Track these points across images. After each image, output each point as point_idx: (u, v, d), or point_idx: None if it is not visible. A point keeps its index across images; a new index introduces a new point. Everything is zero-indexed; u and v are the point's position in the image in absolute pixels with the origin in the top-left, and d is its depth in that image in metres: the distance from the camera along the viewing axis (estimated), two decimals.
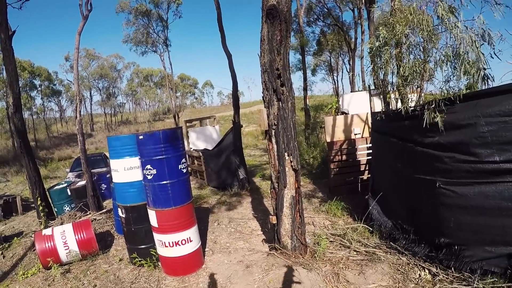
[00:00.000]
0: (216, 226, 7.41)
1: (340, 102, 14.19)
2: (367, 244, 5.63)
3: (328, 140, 8.83)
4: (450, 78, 4.66)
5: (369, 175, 8.02)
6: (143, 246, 5.66)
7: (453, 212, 4.56)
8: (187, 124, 14.47)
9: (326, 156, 10.29)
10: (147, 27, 36.64)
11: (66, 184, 10.24)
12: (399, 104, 5.75)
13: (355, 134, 8.83)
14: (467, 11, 4.65)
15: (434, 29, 4.87)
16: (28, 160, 8.74)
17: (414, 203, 5.30)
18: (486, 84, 4.39)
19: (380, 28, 5.45)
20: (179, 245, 5.17)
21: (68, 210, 9.35)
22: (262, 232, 6.80)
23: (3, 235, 8.00)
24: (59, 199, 9.76)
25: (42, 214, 8.40)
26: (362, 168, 8.85)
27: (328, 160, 9.05)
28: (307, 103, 19.21)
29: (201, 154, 11.62)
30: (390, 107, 6.25)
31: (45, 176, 17.54)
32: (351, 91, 24.95)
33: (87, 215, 8.57)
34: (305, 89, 19.29)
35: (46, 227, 7.74)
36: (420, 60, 5.13)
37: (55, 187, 10.20)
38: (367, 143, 8.70)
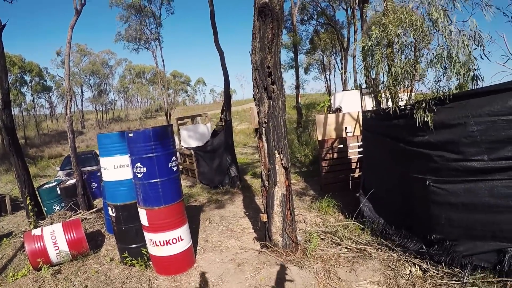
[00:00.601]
0: (207, 224, 7.39)
1: (332, 101, 14.23)
2: (358, 241, 5.66)
3: (320, 138, 8.86)
4: (441, 78, 4.73)
5: (360, 173, 8.05)
6: (134, 246, 5.62)
7: (443, 209, 4.62)
8: (179, 122, 14.40)
9: (317, 154, 10.31)
10: (140, 23, 36.35)
11: (56, 183, 10.12)
12: (390, 103, 5.79)
13: (346, 133, 8.87)
14: (459, 13, 4.68)
15: (426, 30, 4.90)
16: (17, 158, 8.62)
17: (405, 200, 5.36)
18: (476, 84, 4.46)
19: (373, 27, 5.48)
20: (170, 244, 5.14)
21: (58, 209, 9.26)
22: (253, 230, 6.81)
23: None
24: (49, 198, 9.66)
25: (31, 213, 8.29)
26: (354, 166, 8.90)
27: (319, 158, 9.07)
28: (299, 101, 19.21)
29: (192, 152, 11.59)
30: (381, 106, 6.29)
31: (34, 174, 17.41)
32: (343, 90, 25.02)
33: (77, 214, 8.50)
34: (297, 88, 19.28)
35: (35, 227, 7.64)
36: (411, 60, 5.16)
37: (45, 186, 10.09)
38: (358, 141, 8.73)
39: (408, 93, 5.81)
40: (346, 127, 8.86)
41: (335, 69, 45.22)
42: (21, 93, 47.28)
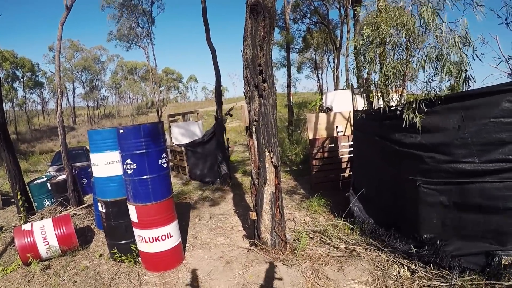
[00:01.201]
0: (197, 221, 7.40)
1: (324, 100, 14.26)
2: (347, 240, 5.69)
3: (311, 137, 8.89)
4: (432, 79, 4.75)
5: (351, 173, 8.10)
6: (123, 242, 5.61)
7: (433, 210, 4.68)
8: (170, 119, 14.37)
9: (308, 153, 10.35)
10: (131, 21, 36.20)
11: (46, 178, 10.07)
12: (381, 103, 5.83)
13: (337, 132, 8.91)
14: (451, 12, 4.72)
15: (417, 30, 4.94)
16: (8, 153, 8.58)
17: (395, 200, 5.39)
18: (468, 85, 4.48)
19: (365, 27, 5.51)
20: (159, 240, 5.15)
21: (48, 204, 9.21)
22: (242, 228, 6.83)
23: None
24: (39, 193, 9.60)
25: (22, 209, 8.26)
26: (344, 165, 8.94)
27: (310, 157, 9.11)
28: (291, 100, 19.22)
29: (183, 149, 11.58)
30: (373, 106, 6.32)
31: (25, 169, 17.27)
32: (335, 89, 25.06)
33: (68, 210, 8.47)
34: (289, 86, 19.25)
35: (25, 222, 7.62)
36: (403, 59, 5.19)
37: (36, 181, 10.03)
38: (349, 141, 8.77)
39: (400, 94, 5.85)
40: (337, 127, 8.90)
41: (327, 68, 45.31)
42: (13, 88, 46.96)
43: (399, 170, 5.21)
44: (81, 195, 9.56)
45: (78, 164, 12.36)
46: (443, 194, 4.55)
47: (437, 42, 4.56)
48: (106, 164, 5.55)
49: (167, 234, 5.21)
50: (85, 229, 7.31)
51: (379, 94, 5.85)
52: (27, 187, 9.29)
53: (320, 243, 5.75)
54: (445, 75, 4.45)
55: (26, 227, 6.00)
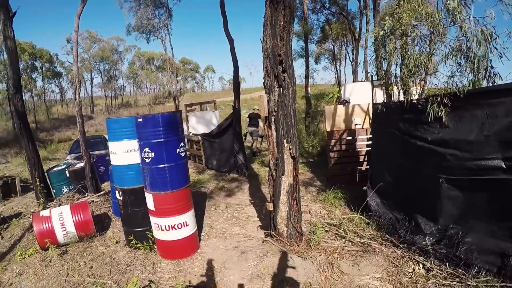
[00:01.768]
0: (213, 211, 7.42)
1: (342, 92, 14.13)
2: (362, 235, 5.63)
3: (328, 129, 8.79)
4: (455, 74, 4.61)
5: (368, 166, 8.01)
6: (139, 229, 5.66)
7: (455, 205, 4.63)
8: (188, 109, 14.42)
9: (325, 145, 10.27)
10: (149, 11, 36.29)
11: (65, 166, 10.22)
12: (402, 96, 5.72)
13: (355, 125, 8.79)
14: (477, 4, 4.57)
15: (442, 22, 4.81)
16: (28, 141, 8.72)
17: (415, 195, 5.33)
18: (493, 81, 4.35)
19: (386, 18, 5.40)
20: (175, 229, 5.18)
21: (66, 191, 9.34)
22: (258, 219, 6.82)
23: (2, 216, 8.01)
24: (58, 180, 9.75)
25: (40, 195, 8.42)
26: (361, 159, 8.83)
27: (327, 149, 9.02)
28: (309, 91, 19.07)
29: (200, 139, 11.60)
30: (392, 99, 6.21)
31: (44, 157, 17.56)
32: (353, 81, 24.81)
33: (85, 197, 8.58)
34: (307, 77, 19.05)
35: (44, 208, 7.75)
36: (426, 52, 5.07)
37: (54, 169, 10.18)
38: (367, 134, 8.66)
39: (421, 87, 5.74)
40: (355, 119, 8.80)
41: (345, 59, 44.86)
42: (32, 79, 47.63)
43: (420, 166, 5.14)
44: (98, 182, 9.68)
45: (96, 152, 12.52)
46: (466, 190, 4.47)
47: (464, 35, 4.43)
48: (124, 153, 5.58)
49: (183, 222, 5.23)
50: (102, 216, 7.41)
51: (400, 87, 5.75)
52: (46, 174, 9.43)
53: (336, 237, 5.70)
54: (470, 70, 4.34)
55: (45, 213, 6.10)
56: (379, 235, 5.58)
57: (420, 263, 4.66)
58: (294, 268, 4.73)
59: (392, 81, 6.07)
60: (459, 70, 4.54)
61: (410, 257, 4.84)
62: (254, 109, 13.93)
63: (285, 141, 5.15)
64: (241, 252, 5.36)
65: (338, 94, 14.52)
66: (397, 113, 5.63)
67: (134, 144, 5.42)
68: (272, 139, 5.29)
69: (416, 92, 5.77)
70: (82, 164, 9.49)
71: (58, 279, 5.03)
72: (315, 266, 4.80)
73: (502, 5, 4.30)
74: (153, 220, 5.28)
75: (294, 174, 5.31)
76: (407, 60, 5.06)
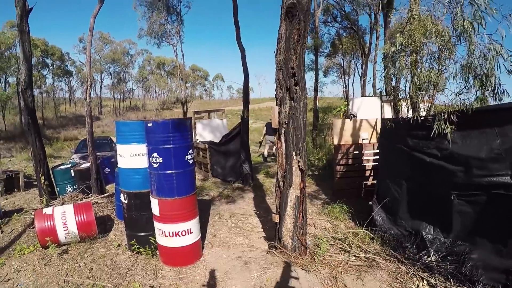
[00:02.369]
0: (217, 219, 7.39)
1: (350, 106, 14.11)
2: (367, 250, 5.59)
3: (335, 142, 8.79)
4: (462, 91, 4.65)
5: (375, 181, 7.98)
6: (142, 234, 5.63)
7: (465, 220, 4.68)
8: (196, 116, 14.46)
9: (331, 159, 10.25)
10: (162, 17, 36.56)
11: (70, 165, 10.26)
12: (410, 113, 5.73)
13: (362, 139, 8.79)
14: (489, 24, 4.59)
15: (452, 41, 4.84)
16: (35, 137, 8.74)
17: (423, 210, 5.36)
18: (500, 99, 4.37)
19: (397, 34, 5.42)
20: (179, 235, 5.16)
21: (70, 191, 9.37)
22: (262, 230, 6.79)
23: (3, 210, 8.02)
24: (62, 179, 9.78)
25: (44, 192, 8.43)
26: (367, 173, 8.82)
27: (333, 162, 9.01)
28: (317, 104, 19.10)
29: (207, 146, 11.61)
30: (401, 115, 6.21)
31: (49, 155, 17.61)
32: (361, 96, 24.81)
33: (89, 197, 8.58)
34: (315, 90, 19.12)
35: (47, 206, 7.76)
36: (435, 69, 5.09)
37: (59, 167, 10.23)
38: (374, 149, 8.65)
39: (430, 104, 5.74)
40: (362, 134, 8.79)
41: (354, 74, 44.84)
42: (42, 75, 47.91)
43: (429, 182, 5.17)
44: (103, 184, 9.70)
45: (102, 153, 12.54)
46: (476, 206, 4.51)
47: (469, 53, 4.47)
48: (132, 156, 5.58)
49: (188, 230, 5.21)
50: (105, 218, 7.40)
51: (409, 103, 5.75)
52: (51, 172, 9.45)
53: (340, 251, 5.67)
54: (478, 87, 4.37)
55: (48, 210, 6.10)
56: (383, 251, 5.55)
57: (424, 279, 4.62)
58: (297, 281, 4.70)
59: (401, 97, 6.07)
60: (466, 87, 4.57)
61: (414, 273, 4.80)
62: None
63: (294, 153, 5.14)
64: (244, 262, 5.33)
65: (346, 108, 14.52)
66: (406, 129, 5.65)
67: (142, 148, 5.41)
68: (282, 151, 5.29)
69: (424, 109, 5.78)
70: (87, 164, 9.51)
71: (57, 278, 5.01)
72: (319, 280, 4.76)
73: (507, 21, 4.30)
74: (157, 225, 5.26)
75: (302, 186, 5.30)
76: (416, 78, 5.07)
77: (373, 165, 8.67)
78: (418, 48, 5.21)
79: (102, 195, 8.83)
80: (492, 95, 4.40)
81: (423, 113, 5.48)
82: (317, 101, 19.08)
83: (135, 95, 78.50)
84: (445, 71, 5.06)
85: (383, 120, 6.72)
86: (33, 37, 40.09)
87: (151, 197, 5.27)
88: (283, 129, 5.19)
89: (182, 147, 5.08)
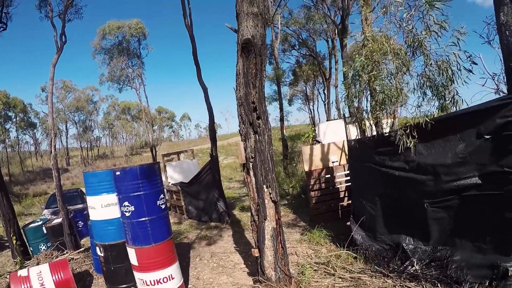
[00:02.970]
0: (198, 261, 7.28)
1: (317, 131, 14.40)
2: (351, 270, 5.62)
3: (306, 169, 8.92)
4: (421, 103, 4.96)
5: (350, 202, 8.08)
6: (123, 286, 5.52)
7: (442, 225, 4.86)
8: (165, 158, 14.40)
9: (305, 185, 10.35)
10: (122, 62, 36.73)
11: (41, 222, 9.92)
12: (374, 131, 5.93)
13: (332, 162, 8.95)
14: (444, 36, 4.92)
15: (408, 57, 5.12)
16: (2, 196, 8.44)
17: (401, 222, 5.50)
18: (457, 106, 4.71)
19: (357, 56, 5.66)
20: (161, 283, 5.05)
21: (44, 249, 9.02)
22: (245, 266, 6.72)
23: None
24: (35, 237, 9.43)
25: (17, 253, 8.11)
26: (342, 195, 8.93)
27: (307, 189, 9.11)
28: (284, 133, 19.37)
29: (179, 188, 11.52)
30: (366, 134, 6.40)
31: (19, 213, 17.05)
32: (327, 120, 25.33)
33: (64, 254, 8.30)
34: (281, 120, 19.36)
35: (21, 267, 7.47)
36: (394, 86, 5.32)
37: (30, 225, 9.87)
38: (344, 170, 8.81)
39: (392, 119, 5.95)
40: (331, 157, 8.95)
41: (318, 99, 45.82)
42: (6, 129, 46.87)
43: (401, 195, 5.35)
44: (77, 238, 9.42)
45: (74, 206, 12.23)
46: (450, 211, 4.72)
47: (424, 67, 4.78)
48: (104, 207, 5.51)
49: (169, 276, 5.11)
50: (83, 274, 7.15)
51: (372, 122, 5.95)
52: (21, 231, 9.12)
53: (325, 275, 5.67)
54: (437, 98, 4.64)
55: (23, 272, 5.85)
56: (368, 268, 5.59)
57: None
58: None
59: (364, 116, 6.27)
60: (425, 100, 4.83)
61: (401, 284, 4.86)
62: None
63: (264, 186, 5.19)
64: None
65: (313, 134, 14.82)
66: (371, 147, 5.85)
67: (113, 198, 5.35)
68: (252, 185, 5.32)
69: (387, 125, 5.99)
70: (59, 220, 9.24)
71: None
72: None
73: (458, 34, 4.64)
74: (137, 275, 5.14)
75: (277, 217, 5.32)
76: (377, 95, 5.29)
77: (346, 186, 8.80)
78: (376, 67, 5.44)
79: (78, 250, 8.55)
80: (451, 105, 4.69)
81: (386, 130, 5.67)
82: (284, 130, 19.33)
83: (103, 143, 77.48)
84: (404, 86, 5.31)
85: (349, 141, 6.90)
86: None
87: (127, 247, 5.17)
88: (250, 164, 5.25)
89: (153, 193, 5.05)
